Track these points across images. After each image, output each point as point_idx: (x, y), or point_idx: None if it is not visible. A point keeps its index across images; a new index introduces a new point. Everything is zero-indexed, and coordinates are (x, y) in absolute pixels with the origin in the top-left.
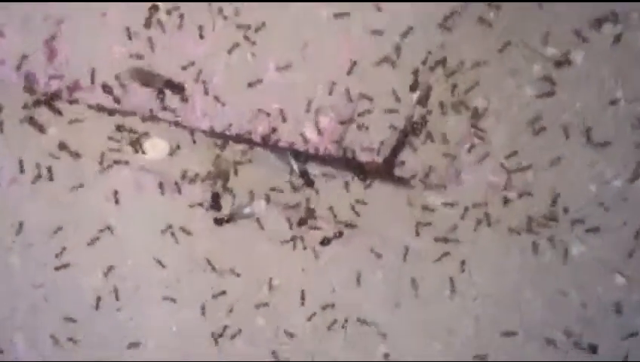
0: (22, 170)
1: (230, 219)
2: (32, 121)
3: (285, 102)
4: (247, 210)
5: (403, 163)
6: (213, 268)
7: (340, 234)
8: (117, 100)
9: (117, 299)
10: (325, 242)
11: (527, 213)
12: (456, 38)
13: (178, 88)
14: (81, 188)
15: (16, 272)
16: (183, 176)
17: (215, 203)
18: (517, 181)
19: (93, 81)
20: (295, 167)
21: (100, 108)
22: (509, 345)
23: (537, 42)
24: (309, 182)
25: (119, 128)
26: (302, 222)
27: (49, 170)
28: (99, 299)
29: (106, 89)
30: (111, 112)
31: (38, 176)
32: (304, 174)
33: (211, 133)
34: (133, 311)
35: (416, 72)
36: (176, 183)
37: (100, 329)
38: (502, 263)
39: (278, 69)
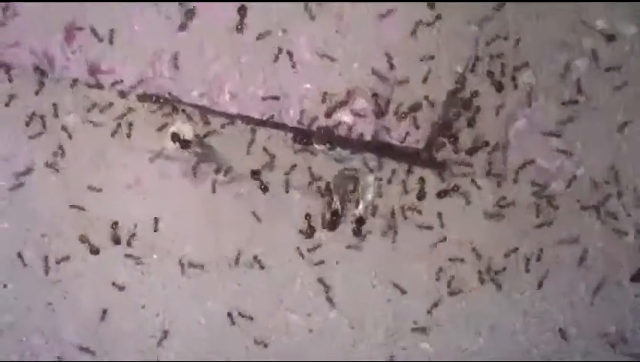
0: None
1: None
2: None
3: (318, 83)
4: None
5: (444, 146)
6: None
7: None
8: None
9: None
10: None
11: (579, 202)
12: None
13: None
14: (100, 176)
15: (32, 268)
16: (217, 170)
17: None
18: (568, 167)
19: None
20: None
21: (121, 94)
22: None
23: (588, 15)
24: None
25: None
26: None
27: (62, 154)
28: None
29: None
30: (131, 96)
31: (54, 164)
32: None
33: (239, 118)
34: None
35: (462, 50)
36: (215, 175)
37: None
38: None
39: (311, 48)
